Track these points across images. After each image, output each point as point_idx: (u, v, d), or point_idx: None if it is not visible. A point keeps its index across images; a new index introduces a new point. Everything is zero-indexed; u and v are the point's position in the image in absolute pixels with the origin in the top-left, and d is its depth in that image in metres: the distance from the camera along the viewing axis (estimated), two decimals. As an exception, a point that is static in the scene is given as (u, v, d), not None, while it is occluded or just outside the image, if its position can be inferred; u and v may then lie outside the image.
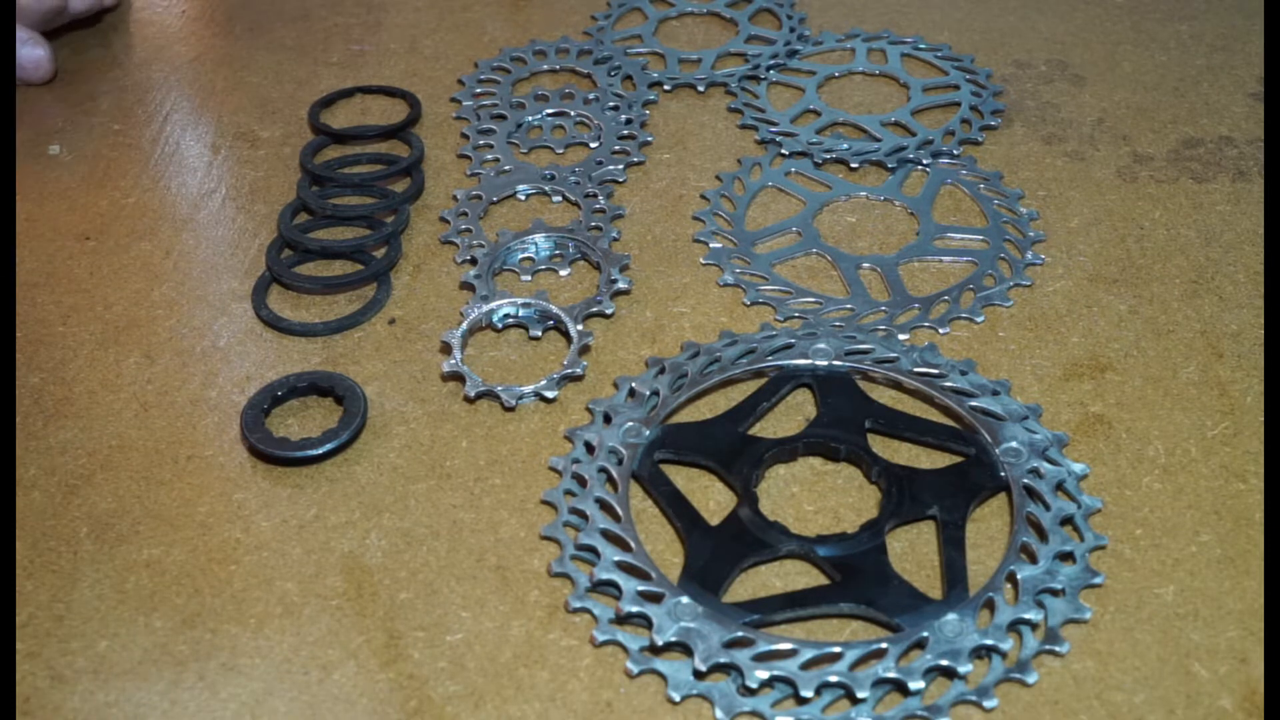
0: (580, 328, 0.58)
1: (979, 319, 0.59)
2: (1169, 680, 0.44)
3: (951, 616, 0.44)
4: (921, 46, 0.80)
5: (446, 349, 0.57)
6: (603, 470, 0.50)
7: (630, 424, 0.52)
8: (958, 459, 0.51)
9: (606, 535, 0.48)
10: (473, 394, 0.55)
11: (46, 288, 0.62)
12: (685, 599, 0.45)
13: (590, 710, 0.43)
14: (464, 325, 0.58)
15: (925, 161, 0.69)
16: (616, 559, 0.47)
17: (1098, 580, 0.46)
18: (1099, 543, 0.48)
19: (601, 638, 0.45)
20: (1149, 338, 0.58)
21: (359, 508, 0.51)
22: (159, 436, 0.54)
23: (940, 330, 0.58)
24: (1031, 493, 0.49)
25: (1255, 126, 0.72)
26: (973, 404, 0.53)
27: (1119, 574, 0.47)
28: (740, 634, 0.44)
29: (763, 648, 0.43)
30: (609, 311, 0.59)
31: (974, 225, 0.65)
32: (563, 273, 0.63)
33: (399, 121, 0.74)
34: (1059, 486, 0.49)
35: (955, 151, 0.70)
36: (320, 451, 0.52)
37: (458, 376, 0.56)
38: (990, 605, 0.45)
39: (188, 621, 0.46)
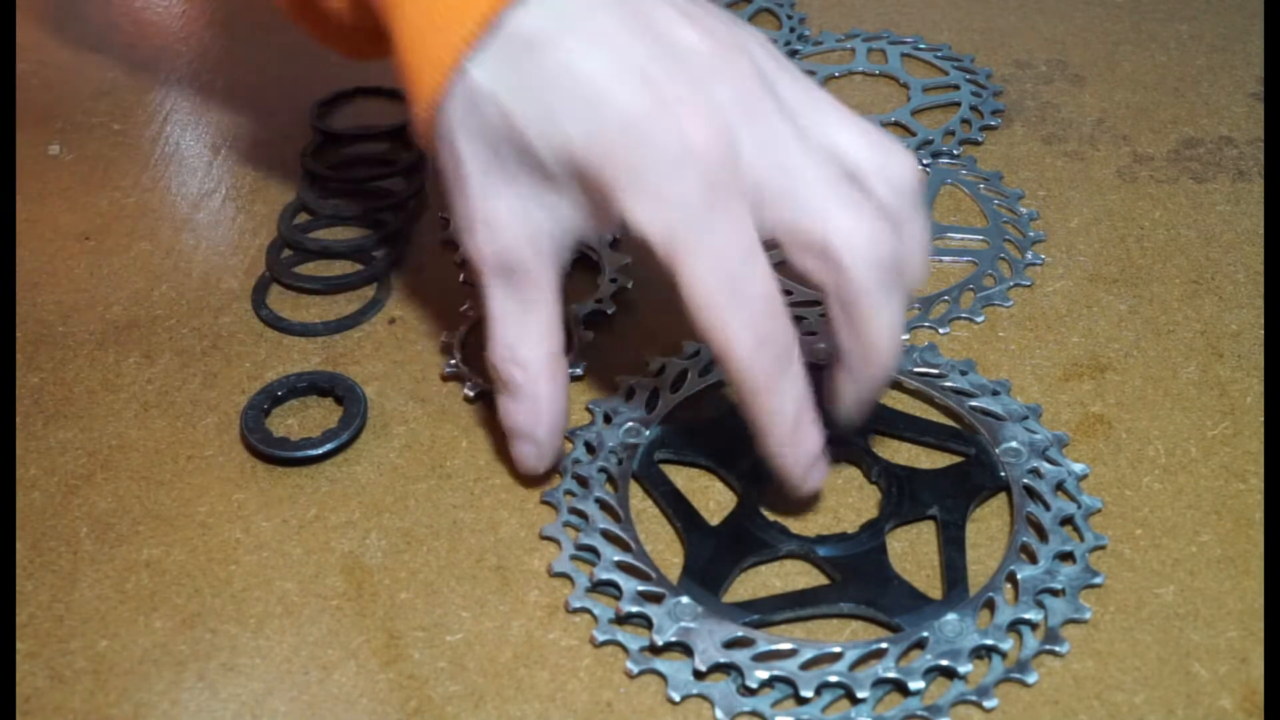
0: (580, 328, 0.58)
1: (979, 319, 0.59)
2: (1169, 680, 0.44)
3: (951, 616, 0.44)
4: (921, 46, 0.80)
5: (446, 349, 0.57)
6: (603, 470, 0.50)
7: (630, 424, 0.52)
8: (958, 459, 0.51)
9: (607, 535, 0.48)
10: (473, 394, 0.55)
11: (46, 288, 0.62)
12: (685, 599, 0.45)
13: (590, 710, 0.43)
14: (464, 325, 0.58)
15: (925, 161, 0.69)
16: (616, 559, 0.47)
17: (1098, 580, 0.46)
18: (1099, 543, 0.48)
19: (601, 638, 0.45)
20: (1149, 338, 0.58)
21: (359, 508, 0.51)
22: (159, 436, 0.54)
23: (940, 330, 0.58)
24: (1031, 493, 0.49)
25: (1255, 126, 0.72)
26: (972, 404, 0.53)
27: (1119, 574, 0.47)
28: (740, 634, 0.44)
29: (763, 648, 0.43)
30: (609, 311, 0.59)
31: (974, 225, 0.65)
32: (563, 273, 0.63)
33: (400, 122, 0.73)
34: (1059, 486, 0.49)
35: (955, 151, 0.70)
36: (320, 451, 0.52)
37: (458, 376, 0.56)
38: (990, 605, 0.45)
39: (188, 621, 0.46)
